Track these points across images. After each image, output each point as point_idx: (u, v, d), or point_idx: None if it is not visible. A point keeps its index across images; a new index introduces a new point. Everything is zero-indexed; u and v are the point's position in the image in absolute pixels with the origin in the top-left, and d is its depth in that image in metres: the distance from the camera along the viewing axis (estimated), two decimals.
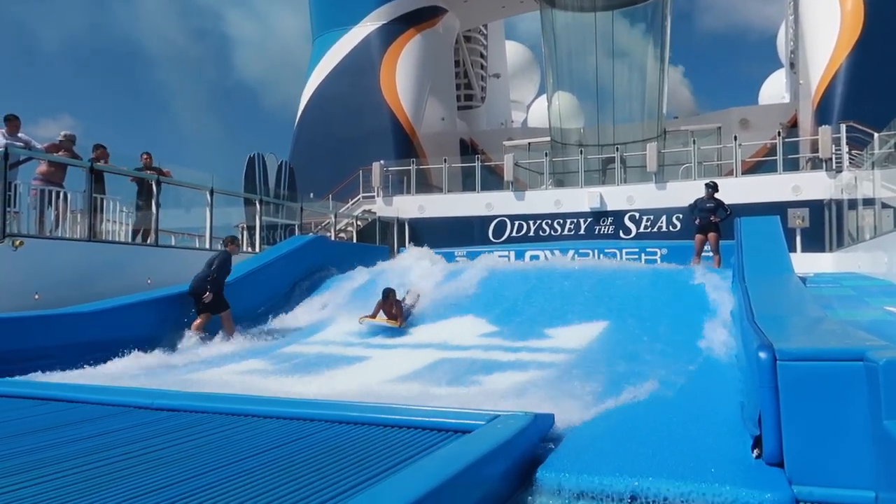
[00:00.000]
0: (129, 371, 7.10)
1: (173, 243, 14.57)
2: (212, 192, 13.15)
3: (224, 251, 9.70)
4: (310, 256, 12.49)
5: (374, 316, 9.49)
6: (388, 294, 9.50)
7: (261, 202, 15.53)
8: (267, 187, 20.13)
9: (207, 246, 13.24)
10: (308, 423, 4.31)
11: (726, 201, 12.59)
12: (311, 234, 17.45)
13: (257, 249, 14.81)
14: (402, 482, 2.91)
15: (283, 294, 11.43)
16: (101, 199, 11.13)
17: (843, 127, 19.59)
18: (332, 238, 19.56)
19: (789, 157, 20.97)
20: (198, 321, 9.08)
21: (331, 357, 8.09)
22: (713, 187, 12.32)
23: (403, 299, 9.94)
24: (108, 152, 11.49)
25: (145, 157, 12.25)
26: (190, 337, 8.86)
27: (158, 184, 11.87)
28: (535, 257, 15.83)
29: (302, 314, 10.81)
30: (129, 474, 3.28)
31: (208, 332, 9.08)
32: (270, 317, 10.63)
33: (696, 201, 12.36)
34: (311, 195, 21.41)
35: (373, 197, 24.64)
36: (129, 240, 11.80)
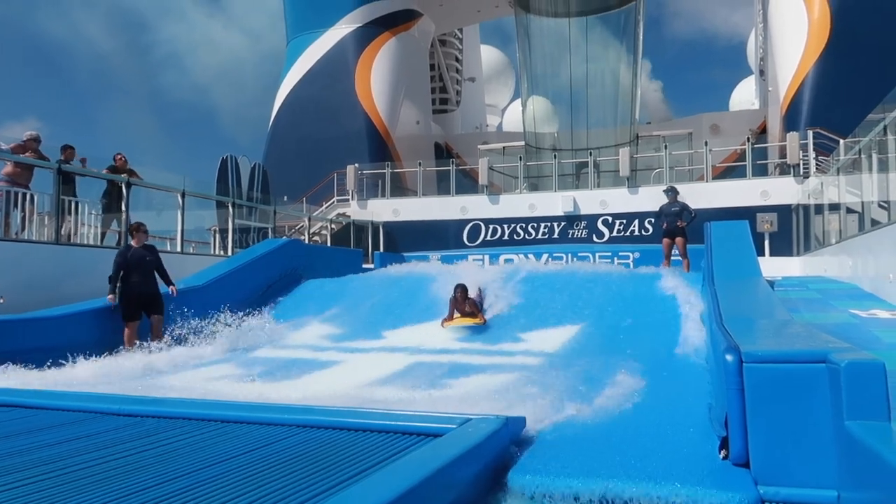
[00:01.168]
0: (93, 378, 6.96)
1: None
2: (183, 195, 13.01)
3: (154, 247, 9.14)
4: (283, 260, 12.39)
5: (451, 318, 9.15)
6: (460, 291, 9.16)
7: (233, 205, 15.40)
8: (240, 190, 19.97)
9: (179, 249, 13.09)
10: (278, 427, 4.26)
11: (697, 206, 12.77)
12: (284, 237, 17.33)
13: (230, 253, 14.67)
14: (371, 486, 2.90)
15: (256, 298, 11.31)
16: (73, 202, 10.94)
17: (811, 133, 20.02)
18: (306, 241, 19.43)
19: (758, 162, 21.37)
20: (129, 331, 8.36)
21: (303, 362, 8.02)
22: (673, 191, 12.56)
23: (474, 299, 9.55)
24: (76, 153, 11.30)
25: (119, 157, 12.05)
26: (140, 346, 8.27)
27: (129, 186, 11.70)
28: (510, 261, 15.89)
29: (275, 318, 10.69)
30: (95, 482, 3.22)
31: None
32: (242, 321, 10.51)
33: (661, 207, 12.60)
34: (285, 198, 21.28)
35: (347, 200, 24.56)
36: (98, 242, 11.61)
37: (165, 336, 8.63)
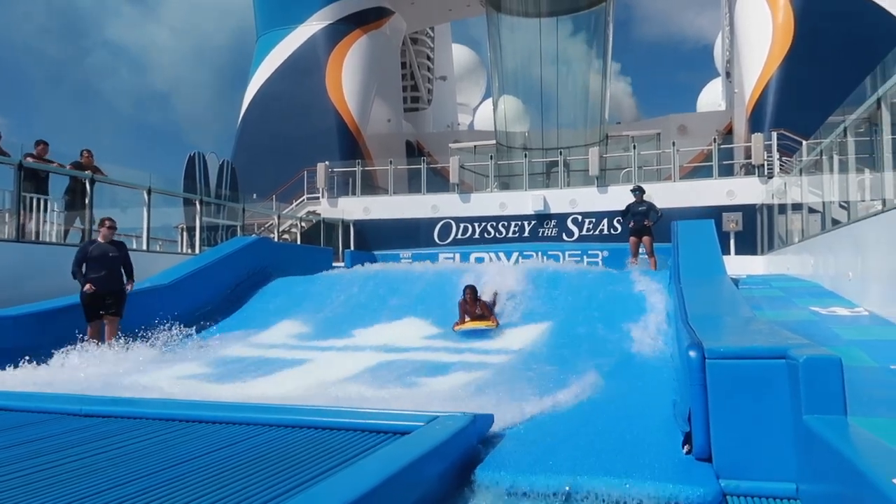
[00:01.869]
0: (56, 379, 6.82)
1: None
2: (149, 192, 12.80)
3: (123, 244, 8.77)
4: (252, 258, 12.27)
5: (462, 321, 8.83)
6: (468, 292, 8.81)
7: (201, 202, 15.19)
8: (208, 187, 19.68)
9: (145, 247, 12.87)
10: (244, 427, 4.23)
11: (665, 205, 12.94)
12: (253, 235, 17.15)
13: (197, 251, 14.46)
14: (337, 484, 2.89)
15: (224, 296, 11.20)
16: (43, 200, 10.69)
17: (774, 135, 20.40)
18: (276, 239, 19.26)
19: (724, 162, 21.70)
20: (92, 331, 8.09)
21: (271, 360, 7.96)
22: (640, 191, 12.75)
23: (482, 295, 9.26)
24: (48, 149, 11.04)
25: (86, 154, 11.78)
26: (101, 346, 8.00)
27: (92, 183, 11.46)
28: (480, 259, 15.95)
29: (243, 317, 10.60)
30: (52, 484, 3.16)
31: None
32: (209, 320, 10.39)
33: (628, 206, 12.76)
34: (254, 196, 21.03)
35: (317, 198, 24.38)
36: (62, 240, 11.37)
37: (119, 341, 8.18)
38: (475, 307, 8.83)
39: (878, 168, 7.63)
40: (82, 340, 7.88)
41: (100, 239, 8.44)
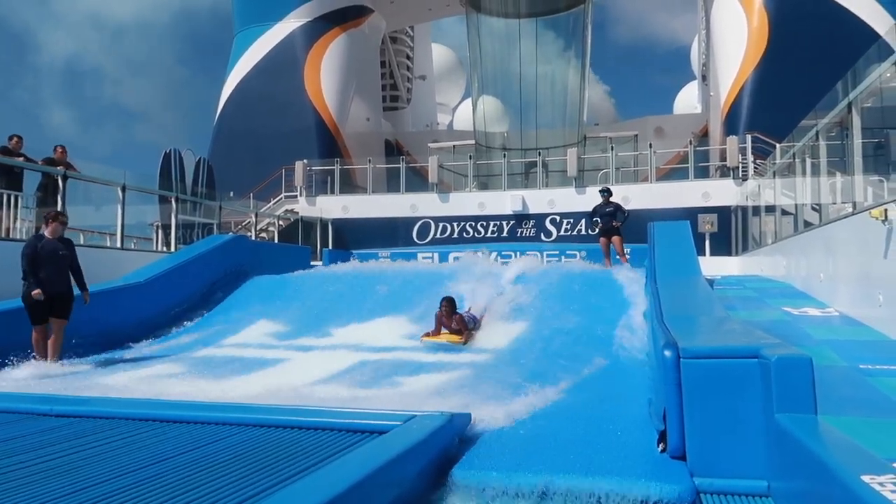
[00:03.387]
0: (21, 381, 6.69)
1: (82, 242, 13.87)
2: (124, 189, 12.61)
3: (70, 241, 8.01)
4: (228, 257, 12.16)
5: (437, 333, 8.44)
6: (444, 305, 8.39)
7: (177, 200, 15.01)
8: (184, 185, 19.47)
9: (119, 245, 12.70)
10: (218, 427, 4.19)
11: (641, 206, 13.07)
12: (230, 233, 17.00)
13: (173, 249, 14.30)
14: (314, 483, 2.87)
15: (200, 295, 11.08)
16: (15, 197, 10.48)
17: (749, 137, 20.71)
18: (253, 238, 19.11)
19: (700, 164, 21.98)
20: (37, 335, 7.37)
21: (247, 360, 7.90)
22: (608, 192, 12.87)
23: (468, 310, 8.93)
24: (23, 143, 10.83)
25: (59, 150, 11.57)
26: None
27: (65, 179, 11.28)
28: (459, 259, 15.94)
29: (219, 316, 10.50)
30: (28, 483, 3.11)
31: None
32: (185, 319, 10.28)
33: (595, 208, 12.89)
34: (231, 194, 20.85)
35: (295, 196, 24.25)
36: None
37: (63, 353, 7.55)
38: (451, 321, 8.42)
39: (849, 171, 7.77)
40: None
41: (48, 234, 7.64)
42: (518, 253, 15.76)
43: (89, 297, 7.87)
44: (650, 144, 22.72)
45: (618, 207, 12.71)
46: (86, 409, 4.67)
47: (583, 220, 21.11)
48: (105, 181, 12.66)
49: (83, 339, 8.22)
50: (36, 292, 7.29)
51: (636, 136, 27.91)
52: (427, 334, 8.58)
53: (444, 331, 8.53)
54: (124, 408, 4.68)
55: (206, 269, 11.52)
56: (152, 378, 6.92)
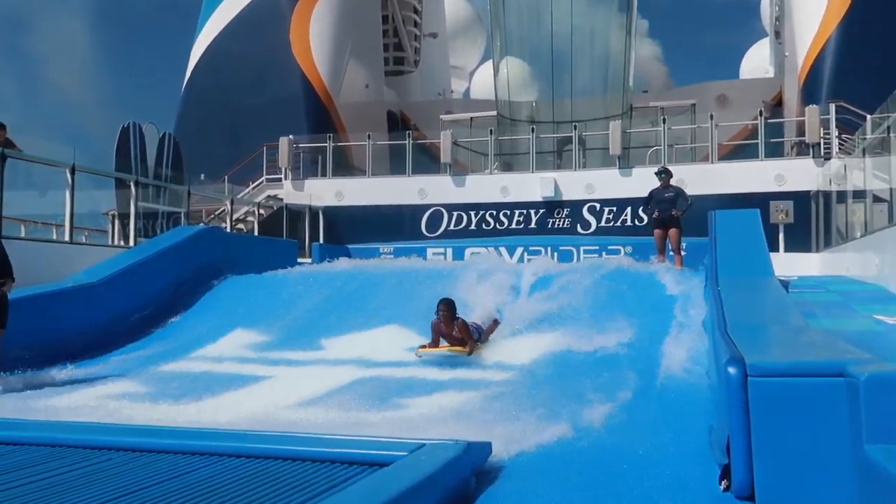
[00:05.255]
0: None
1: (23, 234, 14.02)
2: (73, 171, 12.71)
3: None
4: (199, 252, 12.24)
5: (435, 344, 8.41)
6: (442, 309, 8.31)
7: (136, 184, 15.12)
8: (145, 165, 19.61)
9: (67, 238, 12.81)
10: (187, 457, 4.22)
11: (701, 191, 12.98)
12: (200, 224, 17.10)
13: (132, 243, 14.41)
14: None
15: (164, 299, 11.17)
16: None
17: (833, 107, 20.49)
18: (228, 230, 19.22)
19: (772, 140, 21.78)
20: None
21: (222, 377, 7.95)
22: (667, 173, 12.74)
23: (472, 323, 8.75)
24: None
25: None
26: None
27: (4, 159, 11.38)
28: (476, 254, 15.96)
29: (187, 324, 10.59)
30: None
31: None
32: (147, 327, 10.36)
33: (651, 192, 12.77)
34: (202, 177, 20.98)
35: (279, 180, 24.33)
36: None
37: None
38: (451, 327, 8.28)
39: None
40: None
41: None
42: (549, 248, 15.75)
43: (11, 287, 7.70)
44: (711, 116, 22.54)
45: (679, 193, 12.61)
46: (25, 434, 4.72)
47: (628, 208, 21.03)
48: (51, 161, 12.78)
49: (23, 352, 8.28)
50: None
51: (694, 105, 27.69)
52: (423, 346, 8.49)
53: (443, 342, 8.46)
54: (73, 434, 4.73)
55: (173, 267, 11.59)
56: (107, 399, 6.98)
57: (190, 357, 9.09)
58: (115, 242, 15.40)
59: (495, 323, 9.22)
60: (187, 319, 10.74)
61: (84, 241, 14.66)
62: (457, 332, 8.31)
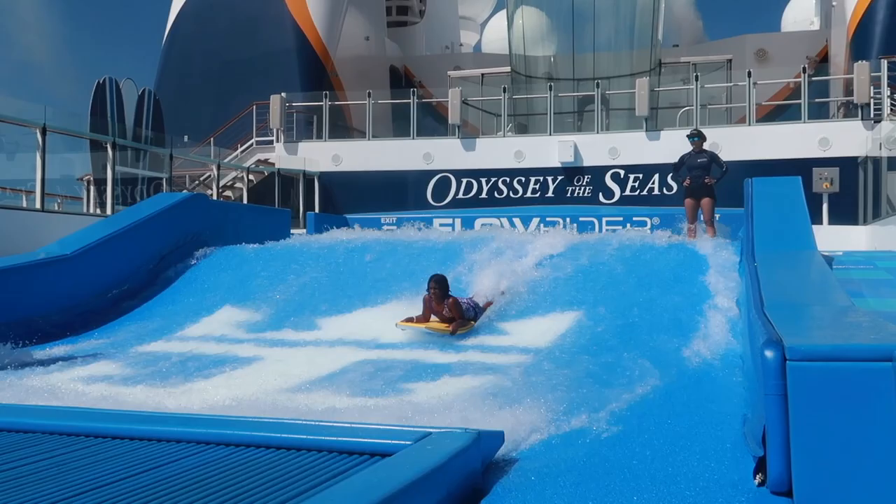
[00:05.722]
0: None
1: None
2: (44, 131, 12.72)
3: None
4: (182, 222, 12.26)
5: (425, 319, 8.68)
6: (433, 287, 8.58)
7: (114, 146, 15.13)
8: (123, 126, 19.61)
9: (38, 205, 12.86)
10: (172, 444, 4.25)
11: (736, 156, 12.91)
12: (184, 191, 17.12)
13: (109, 212, 14.45)
14: None
15: (146, 273, 11.23)
16: None
17: (885, 63, 20.29)
18: (215, 197, 19.25)
19: (816, 100, 21.62)
20: None
21: (209, 358, 8.00)
22: (700, 136, 12.65)
23: (471, 297, 9.13)
24: None
25: None
26: None
27: None
28: (489, 225, 15.96)
29: (171, 300, 10.64)
30: None
31: None
32: (126, 304, 10.41)
33: (682, 158, 12.69)
34: (186, 138, 20.98)
35: (271, 142, 24.31)
36: None
37: None
38: (442, 306, 8.56)
39: None
40: None
41: None
42: (568, 219, 15.74)
43: None
44: (749, 73, 22.38)
45: (713, 158, 12.54)
46: (1, 420, 4.76)
47: (656, 176, 20.96)
48: (20, 121, 12.79)
49: None
50: None
51: (730, 61, 27.47)
52: (409, 319, 8.71)
53: (433, 318, 8.68)
54: (48, 419, 4.76)
55: (154, 238, 11.62)
56: (83, 381, 7.03)
57: (173, 337, 9.16)
58: (91, 211, 15.42)
59: (489, 303, 9.37)
60: (170, 296, 10.78)
61: (56, 208, 14.71)
62: (447, 312, 8.55)
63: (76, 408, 5.33)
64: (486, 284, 9.53)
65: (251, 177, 22.69)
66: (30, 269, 9.42)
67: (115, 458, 4.05)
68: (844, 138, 19.98)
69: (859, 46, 22.80)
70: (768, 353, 3.70)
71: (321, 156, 23.62)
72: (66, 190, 17.07)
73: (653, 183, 21.10)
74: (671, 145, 19.83)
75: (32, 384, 6.82)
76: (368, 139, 23.96)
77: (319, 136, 24.23)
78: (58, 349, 8.63)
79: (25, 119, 12.76)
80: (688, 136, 12.96)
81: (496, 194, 22.24)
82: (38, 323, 9.08)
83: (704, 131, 13.32)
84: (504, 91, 24.73)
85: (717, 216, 12.75)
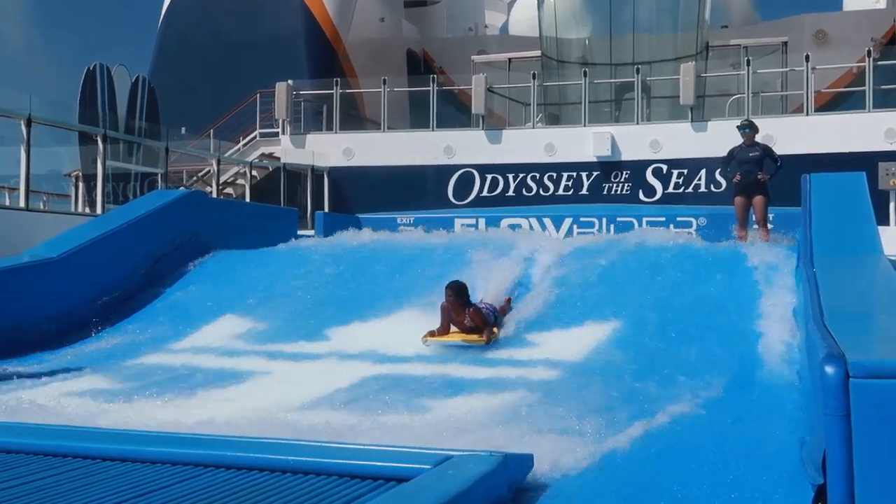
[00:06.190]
0: None
1: None
2: (29, 123, 12.84)
3: None
4: (179, 222, 12.32)
5: (445, 331, 8.81)
6: (450, 294, 8.72)
7: (105, 138, 15.25)
8: (114, 117, 19.76)
9: (22, 203, 12.97)
10: (168, 467, 4.28)
11: (792, 150, 12.82)
12: (181, 188, 17.24)
13: (99, 211, 14.56)
14: None
15: (139, 277, 11.29)
16: None
17: None
18: (215, 195, 19.35)
19: (883, 87, 21.44)
20: None
21: (208, 371, 8.05)
22: (752, 128, 12.57)
23: (481, 300, 9.26)
24: None
25: None
26: None
27: None
28: (517, 227, 15.94)
29: (166, 308, 10.70)
30: None
31: None
32: (118, 312, 10.48)
33: (732, 151, 12.63)
34: (183, 130, 21.11)
35: (276, 135, 24.39)
36: None
37: None
38: (463, 315, 8.68)
39: None
40: None
41: None
42: (604, 220, 15.69)
43: None
44: (807, 57, 22.23)
45: (766, 151, 12.48)
46: None
47: (702, 171, 20.86)
48: (2, 111, 12.90)
49: None
50: None
51: (785, 44, 27.34)
52: (432, 333, 8.77)
53: (453, 329, 8.75)
54: (33, 438, 4.79)
55: (148, 239, 11.68)
56: (71, 396, 7.07)
57: (169, 348, 9.21)
58: (80, 209, 15.56)
59: (508, 301, 9.52)
60: (165, 303, 10.84)
61: (42, 207, 14.84)
62: (468, 321, 8.63)
63: (64, 426, 5.35)
64: (494, 284, 9.69)
65: (254, 172, 22.80)
66: (13, 274, 9.49)
67: (106, 481, 4.07)
68: None
69: None
70: (829, 370, 3.68)
71: (331, 149, 23.67)
72: (53, 187, 17.25)
73: (699, 179, 21.00)
74: (719, 137, 19.70)
75: (16, 399, 6.88)
76: (383, 131, 24.00)
77: (329, 128, 24.28)
78: (44, 361, 8.69)
79: (8, 109, 12.87)
80: (738, 127, 12.90)
81: (524, 192, 22.19)
82: (22, 332, 9.16)
83: (757, 122, 13.24)
84: (533, 77, 24.68)
85: (770, 216, 12.68)
